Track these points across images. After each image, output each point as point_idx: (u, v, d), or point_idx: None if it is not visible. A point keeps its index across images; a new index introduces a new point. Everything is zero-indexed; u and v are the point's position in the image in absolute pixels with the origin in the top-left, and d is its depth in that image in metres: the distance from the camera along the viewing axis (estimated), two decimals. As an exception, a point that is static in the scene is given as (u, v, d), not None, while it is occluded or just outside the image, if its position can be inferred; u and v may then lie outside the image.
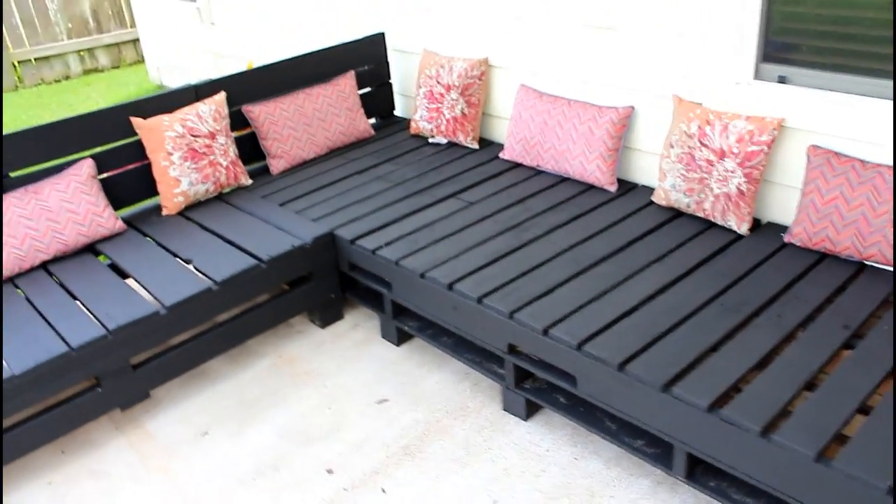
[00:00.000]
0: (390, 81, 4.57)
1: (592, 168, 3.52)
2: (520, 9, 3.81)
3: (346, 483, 2.73)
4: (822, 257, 2.93)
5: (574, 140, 3.56)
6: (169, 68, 7.22)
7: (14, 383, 2.68)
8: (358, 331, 3.54)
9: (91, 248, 3.47)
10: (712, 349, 2.52)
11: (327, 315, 3.58)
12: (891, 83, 2.79)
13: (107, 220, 3.47)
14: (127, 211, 3.76)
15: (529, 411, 2.94)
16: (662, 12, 3.27)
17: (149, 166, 3.69)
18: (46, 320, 2.95)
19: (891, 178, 2.72)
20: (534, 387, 2.89)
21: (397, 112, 4.75)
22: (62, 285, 3.19)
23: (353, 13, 4.78)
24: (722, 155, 3.07)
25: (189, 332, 3.28)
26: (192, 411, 3.14)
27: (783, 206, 3.17)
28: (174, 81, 7.17)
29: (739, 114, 3.07)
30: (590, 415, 2.73)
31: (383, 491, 2.68)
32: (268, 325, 3.34)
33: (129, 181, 3.69)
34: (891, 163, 2.80)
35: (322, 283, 3.46)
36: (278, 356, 3.41)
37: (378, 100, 4.53)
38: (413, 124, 4.27)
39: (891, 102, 2.78)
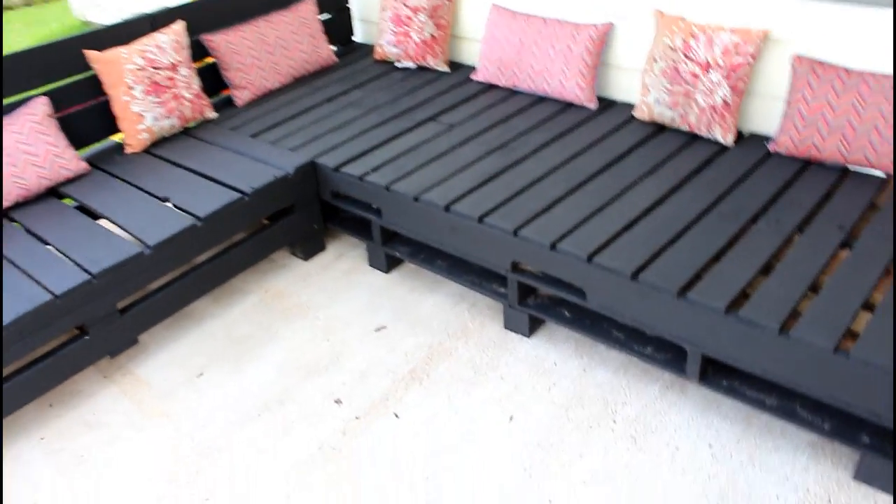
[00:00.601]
0: (349, 6, 4.40)
1: (572, 86, 3.49)
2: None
3: (357, 411, 2.70)
4: (808, 164, 3.00)
5: (552, 58, 3.52)
6: (94, 2, 6.78)
7: (-2, 336, 2.54)
8: (343, 261, 3.48)
9: (54, 192, 3.27)
10: (717, 256, 2.57)
11: (310, 247, 3.49)
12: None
13: (69, 161, 3.27)
14: (86, 151, 3.55)
15: (532, 328, 2.97)
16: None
17: (106, 103, 3.48)
18: (22, 270, 2.78)
19: (875, 84, 2.79)
20: (537, 303, 2.91)
21: (357, 38, 4.60)
22: (31, 232, 3.01)
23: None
24: (707, 67, 3.08)
25: (174, 272, 3.16)
26: (183, 354, 3.04)
27: (765, 117, 3.22)
28: (101, 18, 6.76)
29: (724, 26, 3.09)
30: (596, 326, 2.77)
31: (396, 416, 2.67)
32: (250, 262, 3.24)
33: (85, 119, 3.47)
34: (874, 69, 2.87)
35: (304, 215, 3.36)
36: (264, 292, 3.33)
37: (337, 26, 4.37)
38: (378, 49, 4.14)
39: (873, 8, 2.83)
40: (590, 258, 2.58)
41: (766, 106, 3.19)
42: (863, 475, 2.30)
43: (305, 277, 3.39)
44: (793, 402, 2.40)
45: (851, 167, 2.93)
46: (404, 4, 3.94)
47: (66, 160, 3.25)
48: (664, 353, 2.63)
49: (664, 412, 2.60)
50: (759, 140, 3.18)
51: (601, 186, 2.96)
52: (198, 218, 2.98)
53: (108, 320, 2.81)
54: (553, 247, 2.65)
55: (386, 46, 4.08)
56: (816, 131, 2.91)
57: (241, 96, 3.81)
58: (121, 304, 2.92)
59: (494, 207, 2.87)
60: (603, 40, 3.44)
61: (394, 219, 3.12)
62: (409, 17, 3.94)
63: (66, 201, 3.25)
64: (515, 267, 2.83)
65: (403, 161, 3.23)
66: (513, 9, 3.74)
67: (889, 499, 2.26)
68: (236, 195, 3.09)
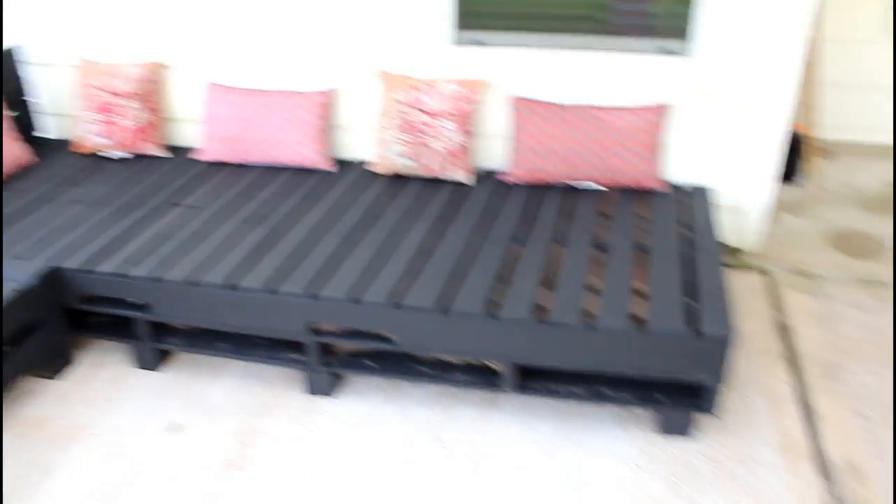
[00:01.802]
0: (31, 101, 4.02)
1: (308, 151, 3.59)
2: (191, 5, 3.69)
3: (186, 516, 2.48)
4: (541, 188, 3.44)
5: (282, 128, 3.59)
6: None
7: None
8: (103, 369, 3.12)
9: None
10: (504, 275, 2.83)
11: (57, 363, 3.08)
12: (566, 37, 3.42)
13: None
14: None
15: (336, 386, 2.97)
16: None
17: None
18: None
19: (580, 113, 3.32)
20: (338, 360, 2.92)
21: (51, 134, 4.19)
22: None
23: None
24: (438, 116, 3.40)
25: None
26: (-61, 515, 2.51)
27: (493, 154, 3.64)
28: None
29: (446, 78, 3.43)
30: (403, 367, 2.87)
31: (233, 509, 2.50)
32: (-4, 395, 2.80)
33: None
34: (577, 102, 3.40)
35: (49, 328, 2.98)
36: (20, 424, 2.86)
37: (23, 123, 3.95)
38: (84, 142, 3.83)
39: (563, 51, 3.39)
40: (394, 303, 2.69)
41: (492, 144, 3.61)
42: (665, 428, 2.73)
43: (65, 397, 2.98)
44: (597, 384, 2.74)
45: (575, 184, 3.43)
46: (106, 91, 3.72)
47: None
48: (474, 375, 2.82)
49: (487, 428, 2.78)
50: (492, 175, 3.57)
51: (373, 238, 3.08)
52: (-67, 351, 2.52)
53: None
54: (355, 300, 2.71)
55: (92, 138, 3.80)
56: (542, 159, 3.36)
57: (-71, 211, 3.28)
58: None
59: (279, 276, 2.85)
60: (330, 104, 3.61)
61: (165, 310, 2.92)
62: (117, 105, 3.73)
63: None
64: (314, 329, 2.83)
65: (161, 250, 3.03)
66: (232, 85, 3.75)
67: (691, 441, 2.69)
68: (-26, 317, 2.66)
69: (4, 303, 2.73)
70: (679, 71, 3.34)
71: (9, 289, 2.80)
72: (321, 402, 2.93)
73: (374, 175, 3.61)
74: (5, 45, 3.97)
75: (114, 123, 3.76)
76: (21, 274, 2.88)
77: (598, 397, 2.72)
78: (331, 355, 2.94)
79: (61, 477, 2.63)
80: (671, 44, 3.34)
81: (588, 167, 3.34)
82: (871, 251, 3.91)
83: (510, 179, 3.47)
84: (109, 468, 2.66)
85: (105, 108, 3.76)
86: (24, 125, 4.03)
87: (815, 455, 2.66)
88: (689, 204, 3.34)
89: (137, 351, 3.11)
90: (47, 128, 4.20)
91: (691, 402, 2.67)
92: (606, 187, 3.42)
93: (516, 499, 2.50)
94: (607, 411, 2.84)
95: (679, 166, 3.51)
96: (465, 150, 3.44)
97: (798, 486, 2.54)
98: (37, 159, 3.86)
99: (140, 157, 3.88)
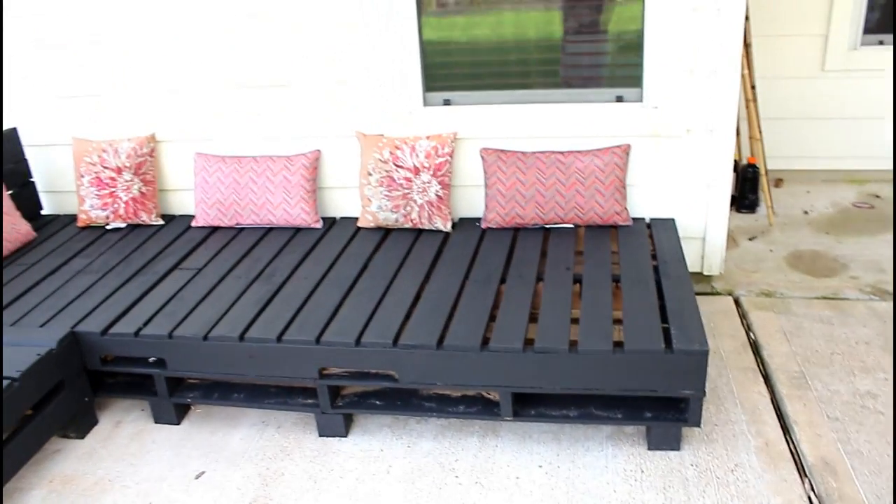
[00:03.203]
0: (32, 180, 4.21)
1: (297, 211, 3.82)
2: (177, 81, 3.95)
3: (217, 556, 2.63)
4: (517, 230, 3.71)
5: (272, 191, 3.82)
6: None
7: None
8: (125, 426, 3.28)
9: None
10: (492, 311, 3.07)
11: (83, 423, 3.24)
12: (525, 92, 3.74)
13: None
14: None
15: (346, 427, 3.15)
16: (328, 66, 3.76)
17: None
18: None
19: (546, 160, 3.61)
20: (346, 402, 3.11)
21: (46, 210, 4.38)
22: None
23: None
24: (417, 171, 3.66)
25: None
26: (-21, 574, 2.64)
27: (467, 203, 3.91)
28: None
29: (420, 135, 3.71)
30: (407, 404, 3.07)
31: (260, 545, 2.66)
32: (25, 458, 2.92)
33: None
34: (541, 149, 3.70)
35: (74, 390, 3.14)
36: (49, 482, 3.00)
37: (22, 201, 4.14)
38: (82, 216, 4.03)
39: (528, 106, 3.70)
40: (394, 342, 2.91)
41: (468, 193, 3.88)
42: (655, 443, 2.94)
43: (90, 455, 3.14)
44: (588, 406, 2.96)
45: (548, 226, 3.70)
46: (104, 166, 3.93)
47: None
48: (474, 406, 3.03)
49: (491, 455, 2.98)
50: (471, 221, 3.83)
51: (367, 287, 3.31)
52: (-32, 418, 2.67)
53: None
54: (358, 342, 2.92)
55: (91, 211, 4.00)
56: (516, 203, 3.63)
57: (-58, 290, 3.44)
58: None
59: (286, 326, 3.06)
60: (315, 166, 3.86)
61: (181, 365, 3.10)
62: (113, 178, 3.94)
63: None
64: (322, 373, 3.03)
65: (171, 309, 3.23)
66: (217, 153, 3.98)
67: (680, 453, 2.91)
68: (3, 383, 2.81)
69: (29, 368, 2.90)
70: (634, 116, 3.66)
71: (32, 354, 2.97)
72: (334, 443, 3.11)
73: (361, 230, 3.85)
74: (5, 126, 4.18)
75: (112, 195, 3.97)
76: (45, 340, 3.06)
77: (590, 418, 2.94)
78: (340, 397, 3.14)
79: (95, 529, 2.78)
80: (625, 92, 3.67)
81: (558, 208, 3.62)
82: (830, 269, 4.23)
83: (487, 225, 3.73)
84: (139, 518, 2.82)
85: (101, 183, 3.97)
86: (27, 202, 4.22)
87: (792, 456, 2.90)
88: (655, 235, 3.62)
89: (156, 406, 3.28)
90: (47, 204, 4.40)
91: (677, 417, 2.90)
92: (577, 225, 3.69)
93: (524, 515, 2.71)
94: (600, 431, 3.06)
95: (642, 201, 3.81)
96: (443, 201, 3.70)
97: (781, 486, 2.77)
98: (39, 234, 4.05)
99: (137, 226, 4.08)
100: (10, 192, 4.04)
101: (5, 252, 3.80)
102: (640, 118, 3.64)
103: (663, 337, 2.81)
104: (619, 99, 3.68)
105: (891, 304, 3.81)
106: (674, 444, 2.94)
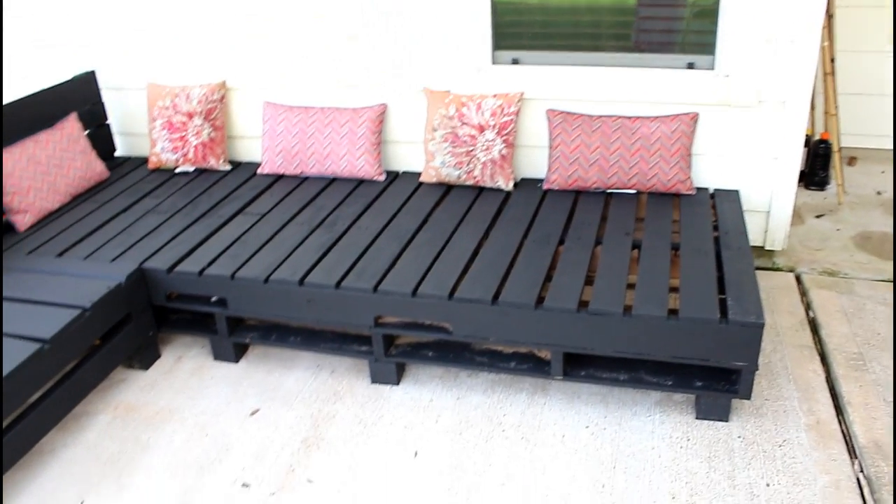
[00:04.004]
0: (108, 122, 4.35)
1: (361, 163, 3.87)
2: (249, 30, 4.01)
3: (270, 488, 2.73)
4: (578, 193, 3.70)
5: (337, 142, 3.88)
6: None
7: None
8: (185, 361, 3.42)
9: None
10: (549, 271, 3.09)
11: (147, 356, 3.38)
12: (595, 55, 3.70)
13: None
14: None
15: (399, 375, 3.22)
16: (398, 20, 3.78)
17: None
18: None
19: (612, 124, 3.58)
20: (400, 351, 3.18)
21: (119, 152, 4.54)
22: None
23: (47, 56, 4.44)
24: (482, 129, 3.67)
25: (24, 405, 2.87)
26: (50, 489, 2.78)
27: (530, 164, 3.91)
28: None
29: (486, 93, 3.71)
30: (460, 358, 3.12)
31: (310, 481, 2.75)
32: (94, 383, 3.07)
33: None
34: (607, 113, 3.67)
35: (140, 324, 3.28)
36: (114, 409, 3.16)
37: (97, 141, 4.28)
38: (153, 158, 4.16)
39: (598, 69, 3.66)
40: (451, 295, 2.95)
41: (532, 154, 3.88)
42: (703, 413, 2.94)
43: (152, 386, 3.28)
44: (638, 371, 2.97)
45: (610, 190, 3.68)
46: (177, 111, 4.04)
47: None
48: (526, 363, 3.06)
49: (539, 412, 3.02)
50: (532, 182, 3.83)
51: (426, 240, 3.35)
52: (43, 341, 2.80)
53: (-34, 470, 2.53)
54: (415, 293, 2.97)
55: (162, 154, 4.12)
56: (579, 167, 3.61)
57: (22, 220, 3.60)
58: (-26, 451, 2.63)
59: (345, 273, 3.12)
60: (381, 119, 3.89)
61: (242, 306, 3.21)
62: (184, 123, 4.05)
63: None
64: (378, 321, 3.10)
65: (234, 251, 3.33)
66: (286, 103, 4.05)
67: (728, 425, 2.90)
68: (75, 312, 2.95)
69: (99, 299, 3.03)
70: (704, 83, 3.58)
71: (103, 287, 3.10)
72: (385, 390, 3.19)
73: (423, 185, 3.88)
74: (87, 68, 4.32)
75: (183, 139, 4.08)
76: (114, 274, 3.19)
77: (640, 383, 2.95)
78: (393, 346, 3.21)
79: (157, 453, 2.92)
80: (696, 59, 3.60)
81: (621, 173, 3.59)
82: None
83: (548, 186, 3.72)
84: (199, 446, 2.94)
85: (173, 127, 4.08)
86: (102, 143, 4.36)
87: (843, 437, 2.87)
88: (718, 206, 3.57)
89: (216, 344, 3.40)
90: (120, 145, 4.54)
91: (728, 388, 2.88)
92: (639, 191, 3.66)
93: (566, 472, 2.74)
94: (649, 397, 3.07)
95: (707, 171, 3.75)
96: (506, 160, 3.71)
97: (829, 465, 2.74)
98: (112, 174, 4.20)
99: (205, 171, 4.19)
100: (86, 132, 4.18)
101: (81, 188, 3.94)
102: (711, 86, 3.57)
103: (719, 307, 2.80)
104: (691, 66, 3.61)
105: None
106: (722, 414, 2.93)
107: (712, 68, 3.59)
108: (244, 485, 2.76)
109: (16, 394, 2.70)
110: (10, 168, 3.57)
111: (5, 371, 2.65)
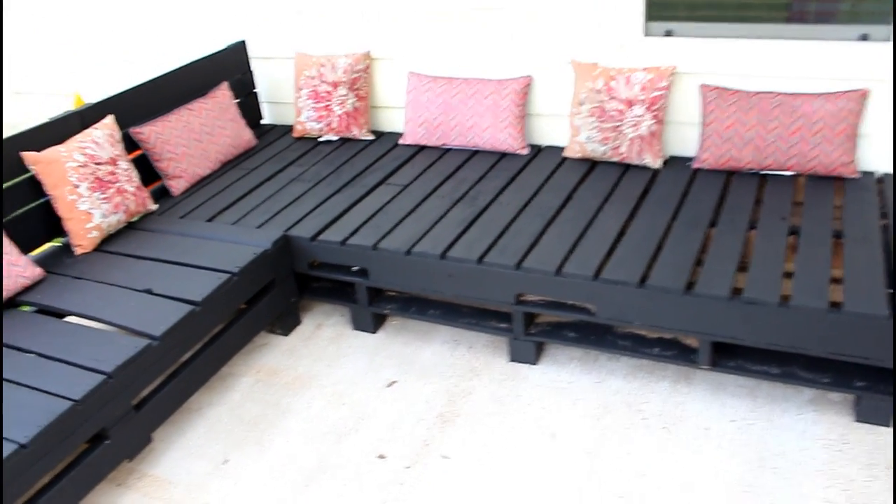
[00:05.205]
0: (255, 91, 4.47)
1: (504, 136, 3.81)
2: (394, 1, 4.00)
3: (405, 461, 2.76)
4: (730, 174, 3.50)
5: (480, 114, 3.83)
6: None
7: (22, 456, 2.34)
8: (324, 329, 3.50)
9: (10, 303, 3.06)
10: (699, 255, 2.95)
11: (288, 322, 3.48)
12: (754, 26, 3.46)
13: (24, 268, 3.08)
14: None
15: (537, 355, 3.18)
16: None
17: (47, 204, 3.32)
18: (21, 384, 2.59)
19: (773, 100, 3.35)
20: (540, 330, 3.12)
21: (266, 120, 4.66)
22: (7, 346, 2.80)
23: (199, 25, 4.61)
24: (630, 104, 3.52)
25: (176, 363, 3.01)
26: (198, 445, 2.92)
27: (679, 141, 3.73)
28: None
29: (636, 67, 3.55)
30: (601, 340, 3.04)
31: (445, 457, 2.76)
32: (239, 345, 3.19)
33: (27, 224, 3.28)
34: (766, 89, 3.44)
35: (283, 289, 3.37)
36: (256, 372, 3.27)
37: (246, 109, 4.41)
38: (298, 127, 4.24)
39: (756, 41, 3.43)
40: (596, 276, 2.86)
41: (682, 131, 3.70)
42: (863, 416, 2.73)
43: (293, 352, 3.37)
44: (792, 366, 2.80)
45: (765, 172, 3.47)
46: (322, 80, 4.10)
47: (21, 268, 3.06)
48: (671, 349, 2.94)
49: (682, 402, 2.90)
50: (681, 161, 3.66)
51: (570, 217, 3.26)
52: (195, 303, 2.92)
53: (126, 420, 2.68)
54: (558, 272, 2.90)
55: (307, 123, 4.20)
56: (732, 146, 3.42)
57: (176, 185, 3.76)
58: (134, 401, 2.77)
59: (487, 248, 3.09)
60: (526, 92, 3.81)
61: (382, 277, 3.23)
62: (329, 92, 4.10)
63: (23, 308, 3.05)
64: (519, 299, 3.05)
65: (377, 222, 3.36)
66: (430, 74, 4.03)
67: (888, 431, 2.69)
68: (224, 276, 3.06)
69: (246, 265, 3.13)
70: (879, 57, 3.29)
71: (249, 253, 3.19)
72: (523, 369, 3.15)
73: (567, 160, 3.78)
74: (237, 38, 4.44)
75: (327, 108, 4.13)
76: (261, 240, 3.28)
77: (793, 378, 2.77)
78: (533, 325, 3.16)
79: (296, 418, 3.00)
80: (871, 29, 3.30)
81: (778, 153, 3.37)
82: None
83: (699, 165, 3.54)
84: (336, 414, 3.00)
85: (318, 96, 4.14)
86: (250, 111, 4.49)
87: None
88: (886, 192, 3.29)
89: (356, 313, 3.45)
90: (267, 114, 4.66)
91: (893, 391, 2.68)
92: (797, 174, 3.43)
93: (709, 466, 2.62)
94: (801, 394, 2.88)
95: (874, 154, 3.45)
96: (655, 136, 3.55)
97: None
98: (259, 142, 4.31)
99: (348, 141, 4.23)
100: (236, 100, 4.30)
101: (230, 155, 4.07)
102: (887, 60, 3.28)
103: (888, 302, 2.58)
104: (864, 38, 3.32)
105: None
106: (884, 419, 2.72)
107: (890, 39, 3.29)
108: (380, 456, 2.79)
109: (171, 351, 2.83)
110: (166, 135, 3.72)
111: (162, 329, 2.78)
